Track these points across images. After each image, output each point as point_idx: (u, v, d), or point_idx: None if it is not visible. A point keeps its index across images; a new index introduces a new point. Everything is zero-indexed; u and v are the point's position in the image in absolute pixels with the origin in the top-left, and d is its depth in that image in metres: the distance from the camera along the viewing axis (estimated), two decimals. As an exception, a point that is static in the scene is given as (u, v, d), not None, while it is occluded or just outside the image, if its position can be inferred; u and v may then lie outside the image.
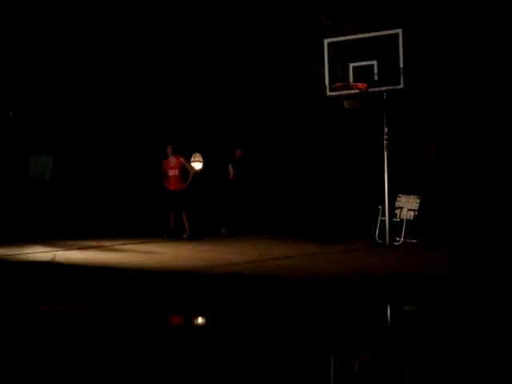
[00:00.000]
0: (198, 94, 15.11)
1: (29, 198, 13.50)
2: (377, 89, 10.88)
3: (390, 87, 10.79)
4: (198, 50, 14.93)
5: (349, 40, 11.33)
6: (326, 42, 11.47)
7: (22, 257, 9.62)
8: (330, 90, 11.32)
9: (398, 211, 11.39)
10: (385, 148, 10.95)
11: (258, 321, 2.14)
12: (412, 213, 11.33)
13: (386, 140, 10.93)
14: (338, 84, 11.15)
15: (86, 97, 14.80)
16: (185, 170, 12.95)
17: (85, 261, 9.11)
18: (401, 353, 1.67)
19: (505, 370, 1.49)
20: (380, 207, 11.12)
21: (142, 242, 11.59)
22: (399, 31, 10.74)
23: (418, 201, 11.47)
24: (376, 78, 10.84)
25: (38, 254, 9.88)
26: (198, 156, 14.08)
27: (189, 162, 13.41)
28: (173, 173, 12.84)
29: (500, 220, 11.29)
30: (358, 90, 10.94)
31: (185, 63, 15.04)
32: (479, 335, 1.87)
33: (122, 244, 11.29)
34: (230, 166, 13.53)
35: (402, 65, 10.65)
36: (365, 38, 11.14)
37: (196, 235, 12.55)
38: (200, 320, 2.28)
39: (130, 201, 14.44)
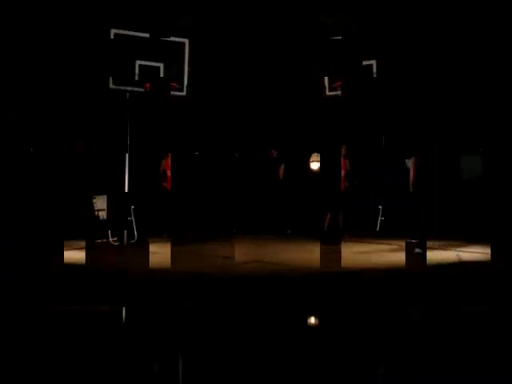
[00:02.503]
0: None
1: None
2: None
3: (390, 87, 10.81)
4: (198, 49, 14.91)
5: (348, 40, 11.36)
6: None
7: (21, 257, 9.61)
8: (330, 90, 11.37)
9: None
10: (384, 148, 10.97)
11: (258, 321, 2.14)
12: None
13: (385, 140, 10.94)
14: (337, 83, 11.18)
15: (86, 96, 14.77)
16: (185, 169, 12.97)
17: (84, 260, 9.10)
18: (401, 354, 1.68)
19: (503, 370, 1.49)
20: (380, 207, 11.12)
21: (142, 242, 11.59)
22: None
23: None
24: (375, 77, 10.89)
25: (38, 254, 9.87)
26: (198, 156, 14.07)
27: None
28: (173, 172, 12.87)
29: (500, 220, 11.29)
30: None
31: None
32: (479, 336, 1.88)
33: (122, 244, 11.29)
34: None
35: (401, 65, 10.68)
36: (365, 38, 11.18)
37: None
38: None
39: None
